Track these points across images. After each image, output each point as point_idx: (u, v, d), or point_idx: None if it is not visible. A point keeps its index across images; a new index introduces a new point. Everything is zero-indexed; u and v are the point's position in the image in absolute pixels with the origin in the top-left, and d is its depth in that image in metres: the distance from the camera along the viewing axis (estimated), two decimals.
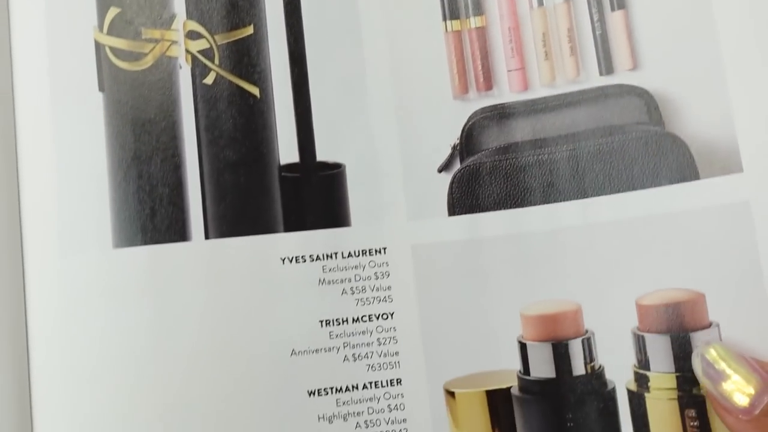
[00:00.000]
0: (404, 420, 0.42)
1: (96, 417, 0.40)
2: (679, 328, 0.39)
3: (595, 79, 0.45)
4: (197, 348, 0.41)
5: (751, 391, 0.33)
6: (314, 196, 0.43)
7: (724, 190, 0.41)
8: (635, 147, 0.43)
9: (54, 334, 0.41)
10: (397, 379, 0.42)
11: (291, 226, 0.43)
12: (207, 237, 0.43)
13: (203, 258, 0.42)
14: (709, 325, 0.39)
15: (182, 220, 0.43)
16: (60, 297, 0.41)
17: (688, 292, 0.39)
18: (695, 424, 0.38)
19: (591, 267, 0.42)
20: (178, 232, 0.42)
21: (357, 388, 0.42)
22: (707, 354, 0.36)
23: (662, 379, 0.39)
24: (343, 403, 0.41)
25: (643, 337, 0.39)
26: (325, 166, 0.44)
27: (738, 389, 0.34)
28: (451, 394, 0.42)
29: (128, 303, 0.41)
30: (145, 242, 0.42)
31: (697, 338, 0.38)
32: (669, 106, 0.43)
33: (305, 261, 0.42)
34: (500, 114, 0.45)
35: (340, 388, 0.41)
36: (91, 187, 0.42)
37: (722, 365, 0.35)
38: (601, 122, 0.44)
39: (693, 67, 0.43)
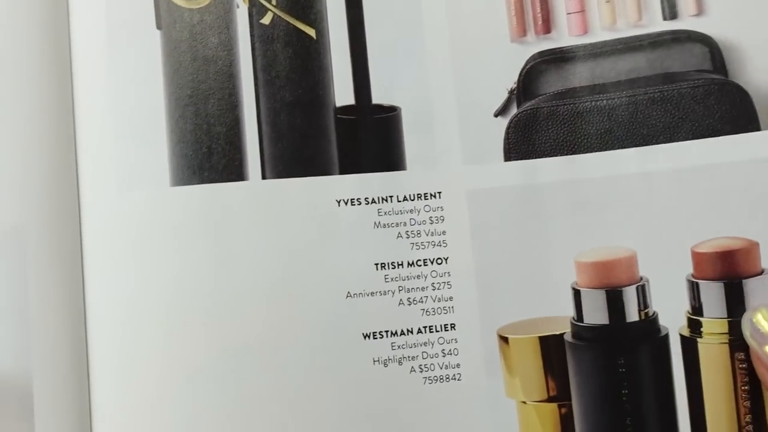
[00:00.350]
0: (458, 365, 0.41)
1: (150, 356, 0.40)
2: (733, 275, 0.39)
3: (657, 24, 0.44)
4: (252, 288, 0.41)
5: None
6: (370, 139, 0.43)
7: None
8: (697, 95, 0.42)
9: (109, 271, 0.41)
10: (451, 324, 0.42)
11: (346, 168, 0.43)
12: (264, 177, 0.42)
13: (260, 198, 0.41)
14: (762, 272, 0.39)
15: (239, 159, 0.42)
16: (115, 234, 0.41)
17: (742, 241, 0.39)
18: (744, 366, 0.39)
19: (647, 214, 0.41)
20: (235, 172, 0.42)
21: (412, 332, 0.41)
22: (754, 318, 0.38)
23: (714, 325, 0.39)
24: (398, 347, 0.41)
25: (697, 284, 0.39)
26: (381, 108, 0.43)
27: None
28: (504, 339, 0.42)
29: (184, 242, 0.40)
30: (202, 181, 0.41)
31: (750, 285, 0.39)
32: (733, 55, 0.43)
33: (360, 203, 0.42)
34: (559, 58, 0.44)
35: (395, 332, 0.41)
36: (148, 125, 0.42)
37: (767, 328, 0.37)
38: (662, 68, 0.43)
39: (759, 14, 0.42)
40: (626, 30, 0.44)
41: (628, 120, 0.42)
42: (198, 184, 0.41)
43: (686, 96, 0.42)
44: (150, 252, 0.40)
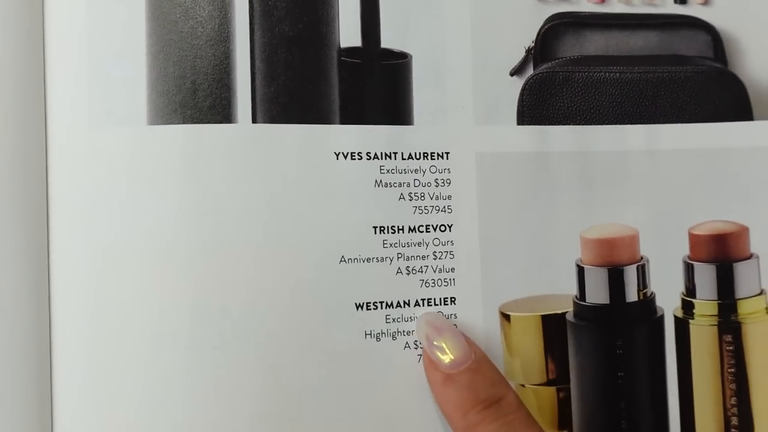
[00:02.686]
0: None
1: (118, 314, 0.35)
2: (724, 258, 0.39)
3: (669, 6, 0.43)
4: (235, 244, 0.36)
5: (452, 357, 0.36)
6: (375, 87, 0.39)
7: None
8: (700, 80, 0.42)
9: (77, 216, 0.36)
10: (451, 298, 0.38)
11: (348, 118, 0.38)
12: (254, 121, 0.37)
13: (249, 143, 0.36)
14: (750, 257, 0.39)
15: (227, 99, 0.37)
16: (85, 176, 0.36)
17: (734, 225, 0.40)
18: (731, 348, 0.39)
19: (651, 193, 0.41)
20: (222, 113, 0.36)
21: (408, 304, 0.38)
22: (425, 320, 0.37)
23: (705, 306, 0.39)
24: (393, 320, 0.38)
25: (692, 265, 0.39)
26: (390, 54, 0.39)
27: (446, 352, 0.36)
28: (506, 317, 0.39)
29: (162, 187, 0.36)
30: (184, 121, 0.36)
31: (739, 268, 0.39)
32: (733, 46, 0.43)
33: (361, 158, 0.38)
34: (576, 23, 0.42)
35: (391, 304, 0.38)
36: (125, 54, 0.36)
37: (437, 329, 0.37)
38: (670, 50, 0.43)
39: (760, 10, 0.43)
40: (640, 7, 0.43)
41: (638, 96, 0.41)
42: (179, 123, 0.36)
43: (691, 80, 0.42)
44: (123, 198, 0.36)
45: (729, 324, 0.39)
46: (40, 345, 0.35)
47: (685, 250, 0.40)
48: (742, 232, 0.39)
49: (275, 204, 0.36)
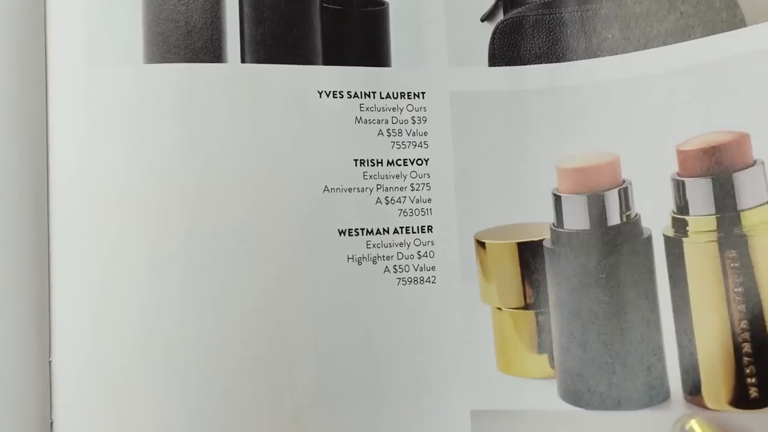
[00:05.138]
0: (433, 267, 0.40)
1: (118, 240, 0.38)
2: (720, 171, 0.36)
3: None
4: (226, 175, 0.38)
5: None
6: (355, 32, 0.41)
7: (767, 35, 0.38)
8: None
9: (76, 148, 0.38)
10: (428, 226, 0.40)
11: (330, 60, 0.41)
12: (243, 61, 0.40)
13: (238, 82, 0.39)
14: (753, 164, 0.37)
15: (218, 40, 0.39)
16: (85, 111, 0.38)
17: (731, 134, 0.37)
18: (736, 265, 0.36)
19: (632, 118, 0.40)
20: (214, 53, 0.39)
21: (388, 231, 0.40)
22: (687, 425, 0.36)
23: (702, 222, 0.37)
24: (374, 246, 0.40)
25: (683, 182, 0.37)
26: (369, 1, 0.41)
27: None
28: (481, 244, 0.40)
29: (158, 122, 0.38)
30: (179, 60, 0.39)
31: (740, 178, 0.36)
32: None
33: (342, 97, 0.40)
34: None
35: (371, 230, 0.40)
36: None
37: None
38: None
39: None
40: None
41: (612, 30, 0.41)
42: (174, 62, 0.39)
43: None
44: (121, 131, 0.38)
45: (732, 238, 0.36)
46: (40, 265, 0.37)
47: (674, 169, 0.38)
48: (741, 140, 0.36)
49: (263, 137, 0.39)
